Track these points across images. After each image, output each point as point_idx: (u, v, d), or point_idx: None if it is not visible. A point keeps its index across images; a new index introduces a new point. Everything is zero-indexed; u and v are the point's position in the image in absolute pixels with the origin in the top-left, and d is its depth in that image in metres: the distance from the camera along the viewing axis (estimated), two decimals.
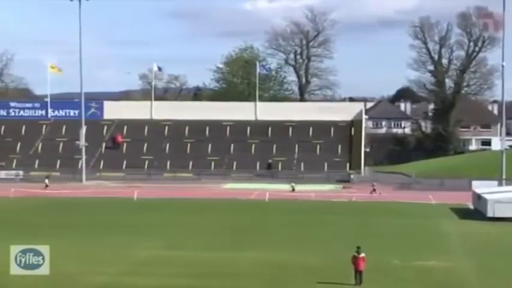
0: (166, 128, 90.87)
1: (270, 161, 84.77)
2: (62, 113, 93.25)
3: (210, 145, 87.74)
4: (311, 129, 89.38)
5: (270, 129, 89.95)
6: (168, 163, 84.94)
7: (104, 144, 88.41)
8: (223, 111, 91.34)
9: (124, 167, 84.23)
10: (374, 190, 67.50)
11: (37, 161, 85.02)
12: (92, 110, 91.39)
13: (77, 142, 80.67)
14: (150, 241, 39.93)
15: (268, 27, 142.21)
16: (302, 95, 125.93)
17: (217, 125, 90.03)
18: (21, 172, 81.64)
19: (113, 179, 78.81)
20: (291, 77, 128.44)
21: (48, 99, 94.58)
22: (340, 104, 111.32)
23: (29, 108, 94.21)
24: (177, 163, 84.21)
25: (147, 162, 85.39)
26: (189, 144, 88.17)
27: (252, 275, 31.25)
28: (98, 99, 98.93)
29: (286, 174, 79.78)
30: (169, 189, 69.63)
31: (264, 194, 62.91)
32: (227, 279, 30.54)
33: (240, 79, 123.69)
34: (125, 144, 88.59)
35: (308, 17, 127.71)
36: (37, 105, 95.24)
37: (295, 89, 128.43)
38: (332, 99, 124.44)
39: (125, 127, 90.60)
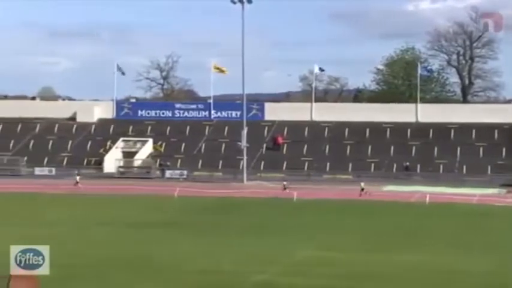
0: (326, 129, 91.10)
1: (407, 163, 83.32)
2: (224, 114, 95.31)
3: (369, 147, 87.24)
4: (474, 131, 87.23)
5: (431, 131, 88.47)
6: (328, 165, 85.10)
7: (264, 145, 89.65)
8: (384, 112, 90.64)
9: (284, 168, 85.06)
10: None
11: (200, 161, 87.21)
12: (254, 111, 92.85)
13: (239, 143, 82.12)
14: (309, 241, 40.19)
15: (430, 28, 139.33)
16: (465, 97, 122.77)
17: (377, 127, 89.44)
18: (185, 172, 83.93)
19: (273, 179, 79.71)
20: (454, 78, 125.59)
21: (211, 101, 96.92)
22: (505, 106, 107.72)
23: (193, 110, 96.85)
24: (337, 165, 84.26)
25: (306, 163, 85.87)
26: (348, 146, 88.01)
27: (410, 279, 30.78)
28: (259, 100, 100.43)
29: (447, 177, 78.30)
30: (328, 190, 69.78)
31: (424, 197, 61.91)
32: (385, 282, 30.25)
33: (400, 81, 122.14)
34: (285, 146, 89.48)
35: (472, 17, 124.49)
36: (201, 106, 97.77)
37: (458, 90, 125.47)
38: (496, 101, 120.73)
39: (285, 128, 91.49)
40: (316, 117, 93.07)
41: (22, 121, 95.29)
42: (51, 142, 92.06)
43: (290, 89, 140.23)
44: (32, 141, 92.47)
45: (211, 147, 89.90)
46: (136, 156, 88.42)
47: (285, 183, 69.58)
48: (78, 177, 72.26)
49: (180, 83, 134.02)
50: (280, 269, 32.66)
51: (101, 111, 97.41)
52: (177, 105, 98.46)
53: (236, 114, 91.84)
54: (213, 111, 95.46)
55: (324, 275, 31.37)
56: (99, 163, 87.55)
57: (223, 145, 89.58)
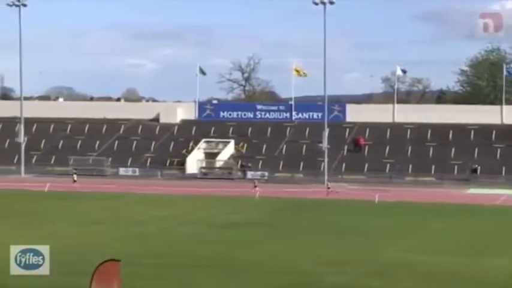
0: (409, 131, 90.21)
1: (475, 166, 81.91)
2: (305, 115, 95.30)
3: (453, 149, 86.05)
4: None
5: None
6: (410, 167, 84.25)
7: (345, 147, 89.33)
8: (467, 114, 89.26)
9: (365, 169, 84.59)
10: None
11: (281, 163, 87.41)
12: (335, 112, 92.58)
13: (320, 144, 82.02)
14: (390, 243, 39.95)
15: None
16: None
17: (460, 129, 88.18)
18: (266, 173, 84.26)
19: (354, 181, 79.40)
20: None
21: (293, 102, 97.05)
22: None
23: (274, 111, 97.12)
24: (419, 167, 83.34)
25: (388, 165, 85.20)
26: (431, 148, 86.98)
27: (497, 284, 30.25)
28: (340, 102, 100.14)
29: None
30: (411, 192, 69.16)
31: (510, 200, 60.75)
32: (470, 287, 29.84)
33: (485, 82, 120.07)
34: (366, 147, 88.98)
35: None
36: (282, 107, 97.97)
37: None
38: None
39: (367, 130, 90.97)
40: (399, 118, 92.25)
41: (107, 122, 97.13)
42: (135, 143, 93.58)
43: (372, 91, 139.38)
44: (116, 142, 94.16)
45: (292, 148, 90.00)
46: (218, 157, 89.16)
47: (329, 185, 69.38)
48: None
49: (261, 84, 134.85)
50: (361, 270, 32.54)
51: (183, 112, 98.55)
52: (259, 107, 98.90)
53: (317, 116, 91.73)
54: (294, 113, 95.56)
55: (406, 278, 31.09)
56: (182, 164, 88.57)
57: (304, 146, 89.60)
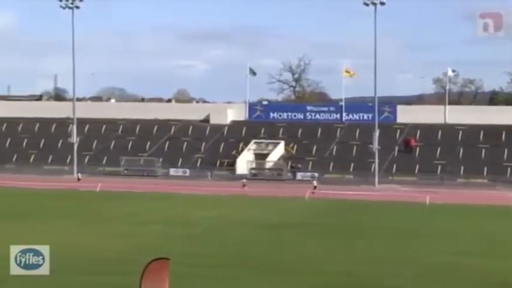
0: (460, 132, 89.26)
1: None
2: (355, 116, 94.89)
3: (506, 150, 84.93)
4: None
5: None
6: (462, 168, 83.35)
7: (396, 148, 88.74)
8: None
9: (416, 171, 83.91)
10: None
11: (331, 164, 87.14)
12: (386, 113, 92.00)
13: (370, 146, 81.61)
14: (442, 246, 39.58)
15: None
16: None
17: None
18: (316, 174, 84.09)
19: (405, 183, 78.87)
20: None
21: (343, 103, 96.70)
22: None
23: (324, 112, 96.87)
24: (471, 168, 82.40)
25: (439, 167, 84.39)
26: (483, 150, 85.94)
27: None
28: (391, 103, 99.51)
29: None
30: (462, 194, 68.46)
31: None
32: None
33: None
34: (417, 149, 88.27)
35: None
36: (332, 108, 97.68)
37: None
38: None
39: (418, 131, 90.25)
40: (450, 119, 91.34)
41: (158, 123, 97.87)
42: (185, 143, 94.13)
43: (423, 92, 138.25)
44: (167, 143, 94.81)
45: (343, 149, 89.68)
46: (268, 158, 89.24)
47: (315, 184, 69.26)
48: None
49: (311, 85, 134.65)
50: (414, 272, 32.30)
51: (233, 113, 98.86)
52: (309, 108, 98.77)
53: (368, 117, 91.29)
54: (344, 114, 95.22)
55: (459, 281, 30.81)
56: (232, 164, 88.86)
57: (355, 148, 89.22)
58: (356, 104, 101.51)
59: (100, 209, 55.21)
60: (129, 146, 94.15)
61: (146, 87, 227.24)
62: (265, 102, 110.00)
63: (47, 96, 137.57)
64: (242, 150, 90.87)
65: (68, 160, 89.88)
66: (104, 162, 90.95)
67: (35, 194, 65.46)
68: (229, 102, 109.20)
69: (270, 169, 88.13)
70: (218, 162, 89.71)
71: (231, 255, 35.59)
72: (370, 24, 79.49)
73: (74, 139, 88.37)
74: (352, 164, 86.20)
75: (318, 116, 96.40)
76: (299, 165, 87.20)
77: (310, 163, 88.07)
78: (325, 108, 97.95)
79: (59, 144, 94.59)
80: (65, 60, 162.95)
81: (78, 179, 77.87)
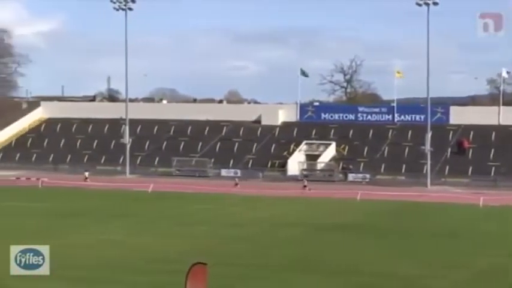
0: None
1: None
2: (407, 117, 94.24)
3: None
4: None
5: None
6: None
7: (449, 150, 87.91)
8: None
9: (469, 172, 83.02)
10: None
11: (383, 165, 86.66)
12: (438, 114, 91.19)
13: (423, 147, 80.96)
14: (494, 248, 39.17)
15: None
16: None
17: None
18: (367, 175, 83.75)
19: (457, 184, 78.14)
20: None
21: (395, 104, 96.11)
22: None
23: (376, 113, 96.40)
24: None
25: (493, 168, 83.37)
26: None
27: None
28: (444, 103, 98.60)
29: None
30: None
31: None
32: None
33: None
34: (470, 150, 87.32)
35: None
36: (384, 109, 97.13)
37: None
38: None
39: (471, 132, 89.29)
40: (504, 121, 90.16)
41: (209, 123, 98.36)
42: (236, 144, 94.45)
43: (476, 92, 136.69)
44: (218, 144, 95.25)
45: (395, 150, 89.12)
46: (320, 159, 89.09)
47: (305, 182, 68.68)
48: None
49: (363, 86, 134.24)
50: (463, 275, 32.03)
51: (285, 114, 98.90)
52: (360, 109, 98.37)
53: (420, 118, 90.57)
54: (396, 115, 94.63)
55: (506, 285, 30.46)
56: (283, 165, 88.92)
57: (407, 149, 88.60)
58: (408, 105, 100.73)
59: (153, 209, 55.72)
60: (181, 146, 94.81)
61: (198, 88, 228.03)
62: (316, 103, 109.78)
63: (100, 97, 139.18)
64: (293, 151, 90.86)
65: (121, 160, 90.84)
66: (155, 162, 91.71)
67: (89, 194, 66.35)
68: (280, 103, 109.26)
69: (321, 170, 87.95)
70: (269, 163, 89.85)
71: (282, 256, 35.65)
72: (423, 24, 79.00)
73: (127, 140, 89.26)
74: (404, 166, 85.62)
75: (369, 117, 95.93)
76: (350, 166, 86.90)
77: (362, 164, 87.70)
78: (377, 109, 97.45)
79: (112, 145, 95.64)
80: (117, 62, 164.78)
81: (86, 178, 77.11)
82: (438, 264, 34.24)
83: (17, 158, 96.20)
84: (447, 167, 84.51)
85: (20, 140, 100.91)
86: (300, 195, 67.52)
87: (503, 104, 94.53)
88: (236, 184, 72.21)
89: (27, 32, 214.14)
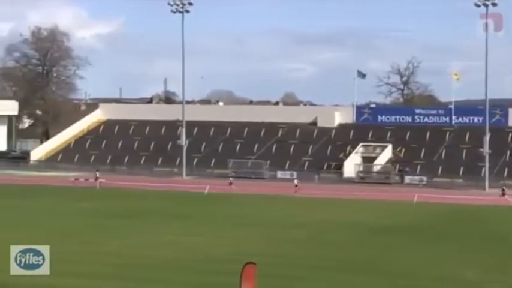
0: None
1: None
2: (465, 120, 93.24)
3: None
4: None
5: None
6: None
7: (508, 152, 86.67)
8: None
9: None
10: None
11: (440, 168, 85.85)
12: (497, 116, 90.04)
13: (481, 149, 80.00)
14: None
15: None
16: None
17: None
18: (424, 178, 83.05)
19: None
20: None
21: (452, 106, 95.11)
22: None
23: (433, 115, 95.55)
24: None
25: None
26: None
27: None
28: (503, 105, 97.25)
29: None
30: None
31: None
32: None
33: None
34: None
35: None
36: (441, 111, 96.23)
37: None
38: None
39: None
40: None
41: (265, 125, 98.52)
42: (292, 146, 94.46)
43: None
44: (274, 145, 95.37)
45: (452, 153, 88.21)
46: (376, 162, 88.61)
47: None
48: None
49: (420, 88, 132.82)
50: None
51: (341, 116, 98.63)
52: (417, 111, 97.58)
53: (478, 120, 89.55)
54: (454, 117, 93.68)
55: None
56: (339, 167, 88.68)
57: (464, 151, 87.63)
58: (466, 107, 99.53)
59: (209, 210, 56.08)
60: (237, 148, 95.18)
61: (254, 90, 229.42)
62: (373, 105, 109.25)
63: (157, 99, 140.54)
64: (349, 153, 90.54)
65: (177, 162, 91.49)
66: (212, 164, 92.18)
67: (147, 195, 67.00)
68: (336, 105, 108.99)
69: (377, 172, 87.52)
70: (325, 165, 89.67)
71: (336, 258, 35.59)
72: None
73: (183, 141, 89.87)
74: (461, 168, 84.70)
75: (426, 119, 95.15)
76: (407, 169, 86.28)
77: (419, 167, 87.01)
78: (434, 111, 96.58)
79: (169, 147, 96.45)
80: (174, 64, 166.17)
81: (97, 178, 75.84)
82: (496, 269, 33.83)
83: (75, 159, 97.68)
84: (506, 170, 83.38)
85: (79, 142, 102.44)
86: (357, 197, 67.22)
87: None
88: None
89: (86, 35, 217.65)
